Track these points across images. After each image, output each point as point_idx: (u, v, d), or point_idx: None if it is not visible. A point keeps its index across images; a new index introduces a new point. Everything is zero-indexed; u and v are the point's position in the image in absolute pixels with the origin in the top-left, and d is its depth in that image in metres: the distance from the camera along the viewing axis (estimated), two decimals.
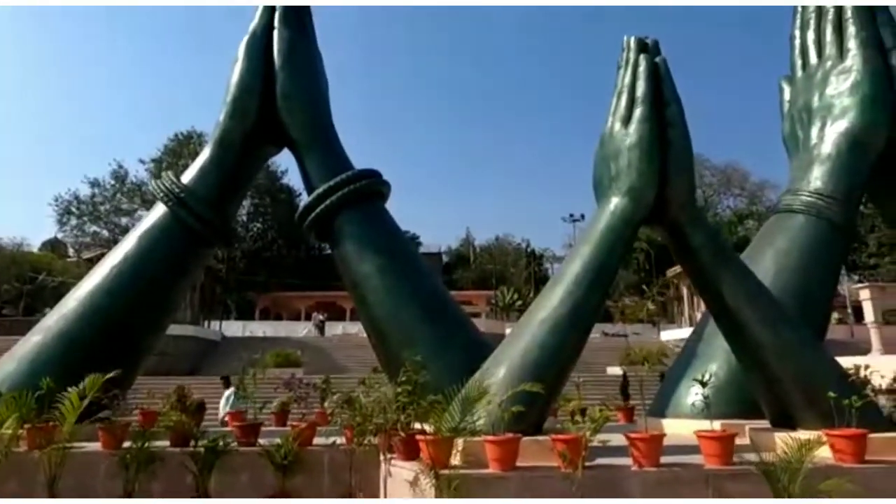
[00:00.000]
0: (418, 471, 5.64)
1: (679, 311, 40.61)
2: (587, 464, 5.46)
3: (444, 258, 64.93)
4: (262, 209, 54.96)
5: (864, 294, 28.68)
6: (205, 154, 10.23)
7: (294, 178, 54.80)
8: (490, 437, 5.60)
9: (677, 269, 39.27)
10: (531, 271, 56.46)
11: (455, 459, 5.69)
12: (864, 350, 24.62)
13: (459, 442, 5.74)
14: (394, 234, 9.91)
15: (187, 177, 9.94)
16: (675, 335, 32.23)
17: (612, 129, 7.57)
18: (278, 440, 7.11)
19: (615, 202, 7.20)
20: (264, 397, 8.83)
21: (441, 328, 8.68)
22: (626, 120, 7.39)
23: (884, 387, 8.10)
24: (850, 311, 37.20)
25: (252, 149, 10.33)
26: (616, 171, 7.33)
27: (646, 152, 7.07)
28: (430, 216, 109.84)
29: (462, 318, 9.84)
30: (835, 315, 39.01)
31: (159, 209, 9.68)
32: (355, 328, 34.02)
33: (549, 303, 6.91)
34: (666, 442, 6.00)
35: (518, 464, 5.58)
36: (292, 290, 50.32)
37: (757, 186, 55.12)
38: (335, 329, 39.05)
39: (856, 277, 41.22)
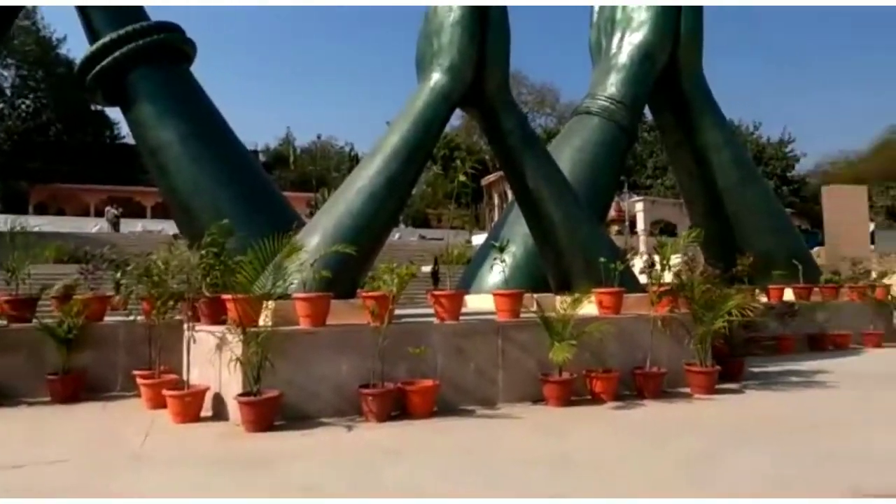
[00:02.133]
0: (225, 331, 5.52)
1: (490, 219, 43.66)
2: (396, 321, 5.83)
3: (262, 157, 61.16)
4: (32, 83, 45.73)
5: (639, 206, 33.64)
6: None
7: (75, 47, 46.19)
8: (300, 295, 5.64)
9: (492, 178, 41.94)
10: None
11: (266, 320, 5.66)
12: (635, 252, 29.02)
13: (270, 303, 5.69)
14: (198, 99, 9.00)
15: None
16: (483, 239, 34.69)
17: (437, 6, 7.53)
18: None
19: (435, 78, 7.30)
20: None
21: (248, 197, 8.30)
22: None
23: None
24: (627, 223, 43.10)
25: None
26: (438, 48, 7.37)
27: (467, 30, 7.19)
28: (248, 114, 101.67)
29: (271, 188, 9.53)
30: (615, 227, 45.12)
31: None
32: (159, 226, 31.05)
33: (367, 173, 6.96)
34: (470, 310, 6.61)
35: (330, 322, 5.74)
36: (78, 181, 43.59)
37: (565, 108, 59.81)
38: (133, 227, 35.19)
39: (636, 196, 47.44)
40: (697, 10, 11.29)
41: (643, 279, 8.96)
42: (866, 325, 10.50)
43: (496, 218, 41.65)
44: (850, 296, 10.89)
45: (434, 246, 31.53)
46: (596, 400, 6.09)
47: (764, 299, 10.26)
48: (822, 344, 10.06)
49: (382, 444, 4.70)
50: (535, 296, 7.97)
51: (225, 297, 5.58)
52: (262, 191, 8.87)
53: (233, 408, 5.28)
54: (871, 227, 48.33)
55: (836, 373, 7.79)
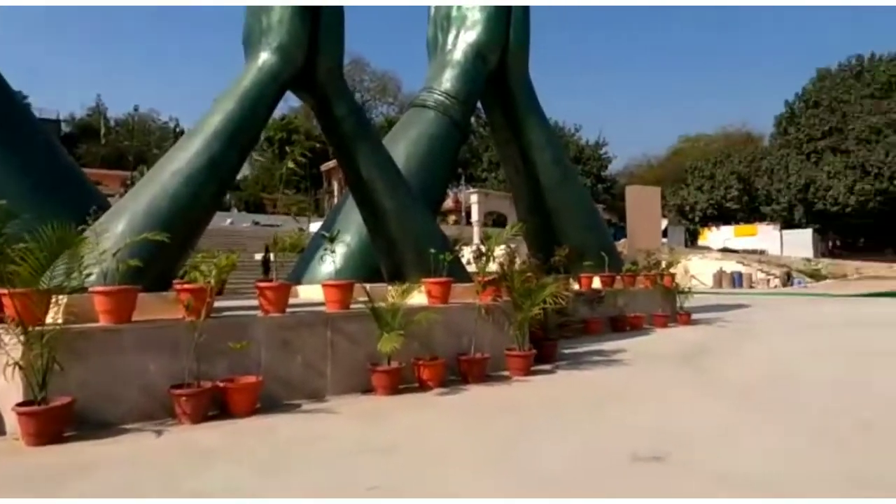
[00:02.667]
0: (2, 330, 4.72)
1: (329, 206, 42.83)
2: (215, 314, 5.46)
3: (65, 128, 53.43)
4: None
5: (474, 198, 35.24)
6: None
7: None
8: (98, 288, 5.01)
9: (331, 164, 41.07)
10: None
11: (56, 317, 4.94)
12: (469, 242, 30.37)
13: (62, 298, 4.98)
14: None
15: None
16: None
17: None
18: None
19: (263, 58, 6.91)
20: None
21: (37, 173, 7.18)
22: None
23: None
24: (463, 214, 44.94)
25: None
26: (267, 26, 6.99)
27: (298, 11, 6.91)
28: (52, 77, 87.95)
29: (68, 163, 8.37)
30: (452, 217, 46.81)
31: None
32: None
33: (185, 154, 6.39)
34: (301, 301, 6.38)
35: (137, 318, 5.19)
36: None
37: (408, 98, 60.61)
38: None
39: (472, 188, 49.61)
40: (526, 17, 12.08)
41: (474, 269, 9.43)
42: (656, 308, 12.13)
43: (335, 205, 41.05)
44: (644, 283, 12.48)
45: (269, 233, 30.21)
46: (423, 387, 6.27)
47: (576, 287, 11.37)
48: (622, 325, 11.41)
49: (198, 445, 4.39)
50: (368, 286, 7.98)
51: (1, 291, 4.77)
52: (56, 167, 7.72)
53: (11, 420, 4.55)
54: (665, 223, 55.69)
55: (631, 351, 8.88)
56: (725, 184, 56.10)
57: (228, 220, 35.59)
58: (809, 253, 46.63)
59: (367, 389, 6.03)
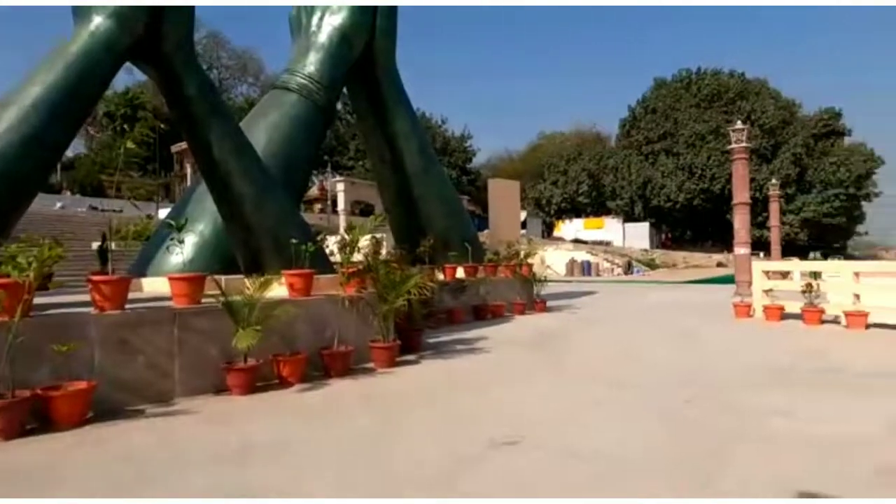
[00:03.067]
0: None
1: (181, 191, 39.64)
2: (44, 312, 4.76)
3: None
4: None
5: (340, 187, 34.59)
6: None
7: None
8: None
9: (183, 145, 37.94)
10: None
11: None
12: (336, 231, 29.84)
13: None
14: None
15: None
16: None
17: None
18: None
19: (97, 22, 6.12)
20: None
21: None
22: None
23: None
24: (330, 202, 44.01)
25: None
26: None
27: None
28: None
29: None
30: (318, 206, 45.56)
31: None
32: None
33: None
34: (146, 295, 5.76)
35: None
36: None
37: (270, 79, 57.74)
38: None
39: (338, 177, 48.67)
40: (392, 7, 11.98)
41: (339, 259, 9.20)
42: (516, 296, 12.74)
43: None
44: (505, 273, 13.05)
45: (107, 220, 27.20)
46: (284, 384, 6.00)
47: (441, 277, 11.58)
48: (484, 314, 11.83)
49: (8, 467, 3.79)
50: (223, 278, 7.47)
51: None
52: None
53: None
54: (524, 215, 58.71)
55: (492, 339, 9.23)
56: (577, 180, 60.56)
57: (59, 205, 31.54)
58: (646, 244, 51.98)
59: (222, 389, 5.63)
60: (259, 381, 5.83)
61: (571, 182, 60.87)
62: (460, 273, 11.96)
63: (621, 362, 7.30)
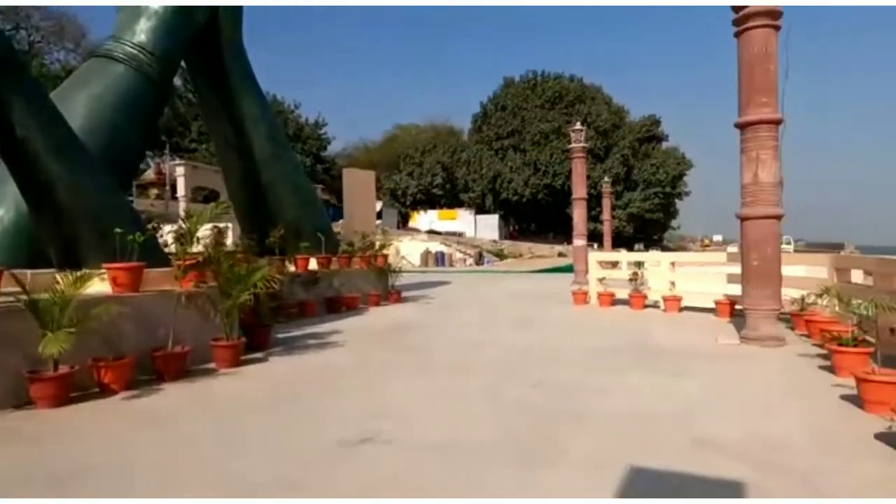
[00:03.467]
0: None
1: None
2: None
3: None
4: None
5: (180, 171, 31.76)
6: None
7: None
8: None
9: None
10: None
11: None
12: (175, 220, 27.31)
13: None
14: None
15: None
16: None
17: None
18: None
19: None
20: None
21: None
22: None
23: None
24: (168, 188, 40.29)
25: None
26: None
27: None
28: None
29: None
30: (154, 191, 41.55)
31: None
32: None
33: None
34: None
35: None
36: None
37: (92, 45, 51.12)
38: None
39: (178, 160, 44.69)
40: None
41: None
42: (370, 287, 12.60)
43: None
44: (359, 264, 12.84)
45: None
46: (106, 392, 5.29)
47: (292, 268, 11.07)
48: (338, 306, 11.54)
49: None
50: (28, 273, 6.45)
51: None
52: None
53: None
54: (380, 205, 58.55)
55: (346, 332, 9.01)
56: (432, 172, 61.73)
57: None
58: (496, 235, 54.59)
59: (25, 402, 4.82)
60: (75, 390, 5.08)
61: (426, 174, 61.89)
62: (313, 264, 11.54)
63: (472, 350, 7.49)
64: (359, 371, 6.43)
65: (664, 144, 62.02)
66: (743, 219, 7.35)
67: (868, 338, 5.60)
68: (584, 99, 59.81)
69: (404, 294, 14.07)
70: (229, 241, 7.92)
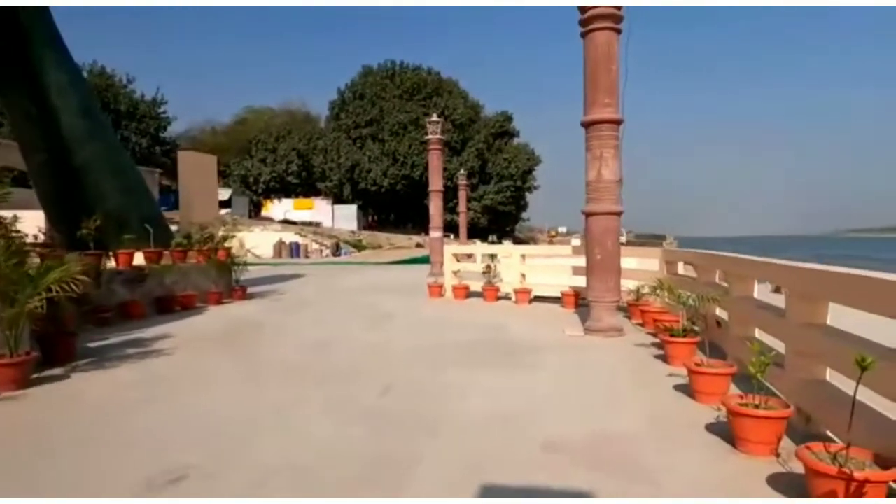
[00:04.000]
0: None
1: None
2: None
3: None
4: None
5: None
6: None
7: None
8: None
9: None
10: None
11: None
12: None
13: None
14: None
15: None
16: None
17: None
18: None
19: None
20: None
21: None
22: None
23: None
24: None
25: None
26: None
27: None
28: None
29: None
30: None
31: None
32: None
33: None
34: None
35: None
36: None
37: None
38: None
39: None
40: None
41: None
42: (210, 284, 11.43)
43: None
44: (197, 258, 11.59)
45: None
46: None
47: (112, 264, 9.65)
48: (171, 306, 10.29)
49: None
50: None
51: None
52: None
53: None
54: (228, 193, 54.80)
55: (178, 336, 7.99)
56: (287, 158, 59.02)
57: None
58: (354, 226, 53.67)
59: None
60: None
61: (281, 161, 59.02)
62: (139, 259, 10.15)
63: (318, 352, 6.96)
64: (185, 383, 5.60)
65: (516, 140, 65.05)
66: (588, 214, 7.61)
67: (695, 328, 6.01)
68: (442, 92, 60.72)
69: (251, 290, 13.03)
70: (24, 232, 6.54)
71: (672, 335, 5.85)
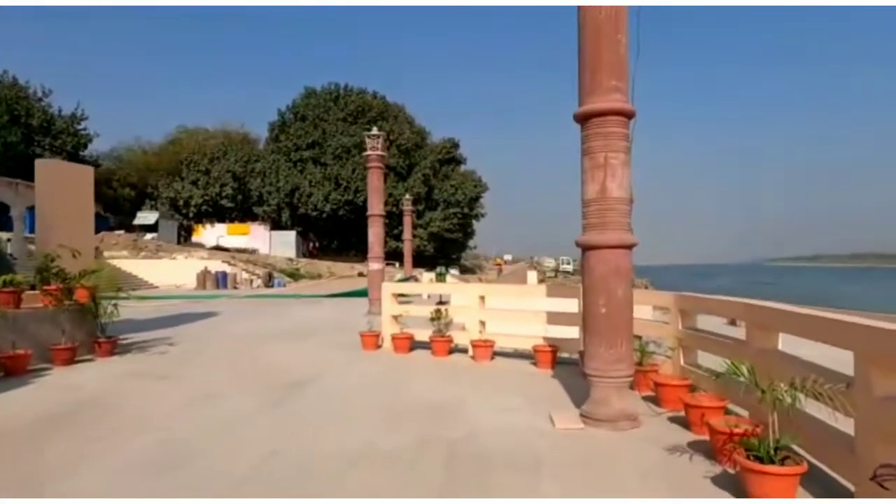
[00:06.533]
0: None
1: None
2: None
3: None
4: None
5: None
6: None
7: None
8: None
9: None
10: None
11: None
12: None
13: None
14: None
15: None
16: None
17: None
18: None
19: None
20: None
21: None
22: None
23: None
24: None
25: None
26: None
27: None
28: None
29: None
30: None
31: None
32: None
33: None
34: None
35: None
36: None
37: None
38: None
39: None
40: None
41: None
42: (59, 337, 8.35)
43: None
44: (44, 300, 8.55)
45: None
46: None
47: None
48: None
49: None
50: None
51: None
52: None
53: None
54: (156, 216, 50.29)
55: None
56: (221, 181, 55.15)
57: None
58: (293, 253, 50.12)
59: None
60: None
61: (214, 183, 55.01)
62: None
63: (160, 473, 4.18)
64: None
65: (462, 167, 63.44)
66: (585, 248, 5.22)
67: (794, 447, 3.61)
68: (387, 116, 58.57)
69: (135, 337, 10.05)
70: None
71: (756, 457, 3.44)
